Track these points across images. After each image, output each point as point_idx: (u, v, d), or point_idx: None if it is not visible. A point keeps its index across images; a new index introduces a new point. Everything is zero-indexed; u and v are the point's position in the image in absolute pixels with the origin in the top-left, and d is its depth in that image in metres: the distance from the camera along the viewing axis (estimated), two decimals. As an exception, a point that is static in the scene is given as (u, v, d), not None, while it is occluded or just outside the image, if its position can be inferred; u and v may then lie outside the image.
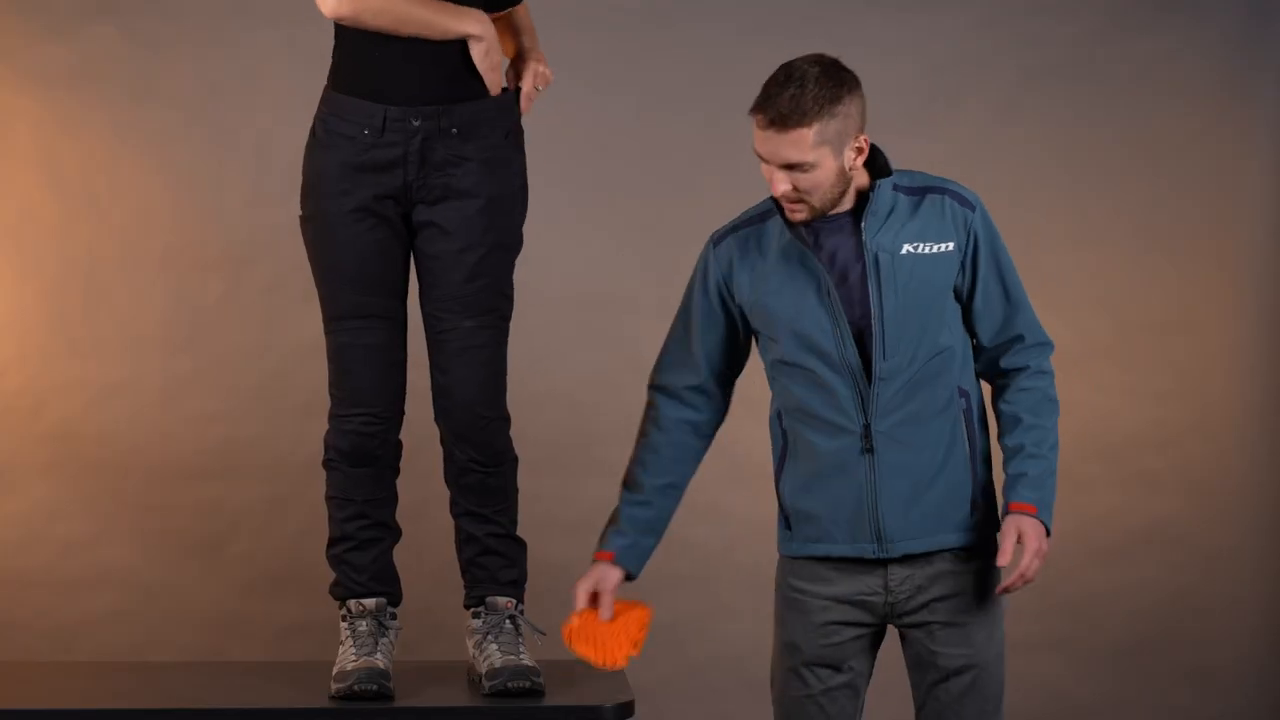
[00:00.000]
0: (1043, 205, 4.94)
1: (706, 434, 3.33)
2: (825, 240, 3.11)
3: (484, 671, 3.40)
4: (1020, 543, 3.11)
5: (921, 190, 3.13)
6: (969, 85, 4.95)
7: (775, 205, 3.14)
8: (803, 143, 3.03)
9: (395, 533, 3.53)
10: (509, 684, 3.35)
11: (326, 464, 3.49)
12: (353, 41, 3.42)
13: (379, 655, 3.41)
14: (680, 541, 4.94)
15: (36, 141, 4.80)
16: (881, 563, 3.16)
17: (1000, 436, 3.19)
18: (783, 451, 3.23)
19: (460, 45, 3.42)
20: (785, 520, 3.23)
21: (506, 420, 3.51)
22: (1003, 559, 3.09)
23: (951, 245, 3.10)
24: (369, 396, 3.43)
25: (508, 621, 3.47)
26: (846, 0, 4.86)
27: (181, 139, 4.82)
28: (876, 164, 3.13)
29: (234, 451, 4.83)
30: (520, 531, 3.58)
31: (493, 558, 3.51)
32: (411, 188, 3.41)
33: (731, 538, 4.93)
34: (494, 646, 3.43)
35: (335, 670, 3.41)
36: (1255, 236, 5.00)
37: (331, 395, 3.46)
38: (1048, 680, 4.94)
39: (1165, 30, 4.97)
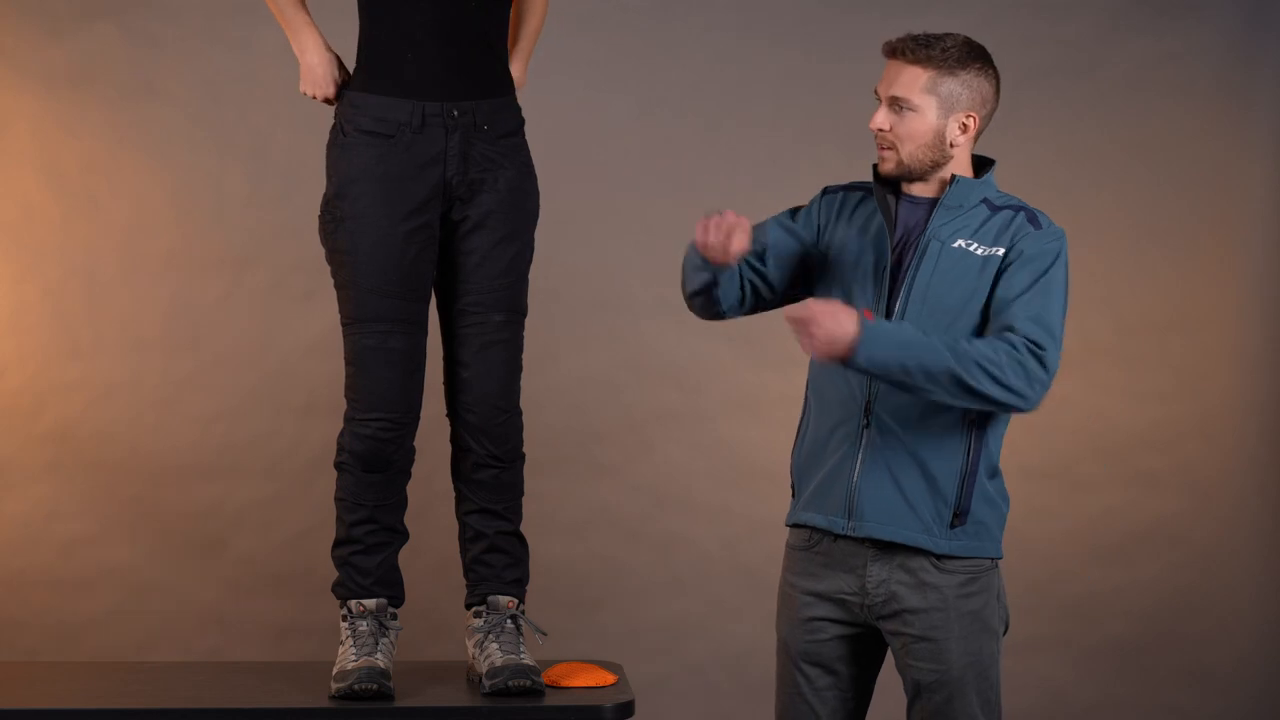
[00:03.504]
0: (1042, 205, 4.86)
1: (740, 284, 3.28)
2: (903, 219, 3.19)
3: (484, 671, 3.41)
4: (813, 322, 2.98)
5: (1003, 207, 3.20)
6: (969, 85, 4.95)
7: (875, 171, 3.21)
8: (914, 82, 3.12)
9: (403, 536, 3.53)
10: (509, 683, 3.35)
11: (339, 465, 3.49)
12: (382, 41, 3.42)
13: (379, 655, 3.41)
14: (680, 541, 4.96)
15: (36, 141, 4.80)
16: (862, 559, 3.18)
17: None
18: (802, 417, 3.29)
19: (483, 41, 3.43)
20: (791, 488, 3.30)
21: (521, 416, 3.53)
22: (799, 311, 2.98)
23: (1001, 251, 3.14)
24: (389, 401, 3.42)
25: (509, 621, 3.47)
26: (847, 1, 4.86)
27: (181, 139, 4.82)
28: (980, 173, 3.22)
29: (234, 451, 4.83)
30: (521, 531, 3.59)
31: (498, 555, 3.52)
32: (452, 184, 3.42)
33: (731, 538, 4.93)
34: (494, 646, 3.43)
35: (335, 670, 3.41)
36: (1255, 236, 5.00)
37: (348, 398, 3.46)
38: (1048, 680, 4.94)
39: (1165, 31, 4.97)
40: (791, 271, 3.28)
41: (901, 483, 3.14)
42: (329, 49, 3.49)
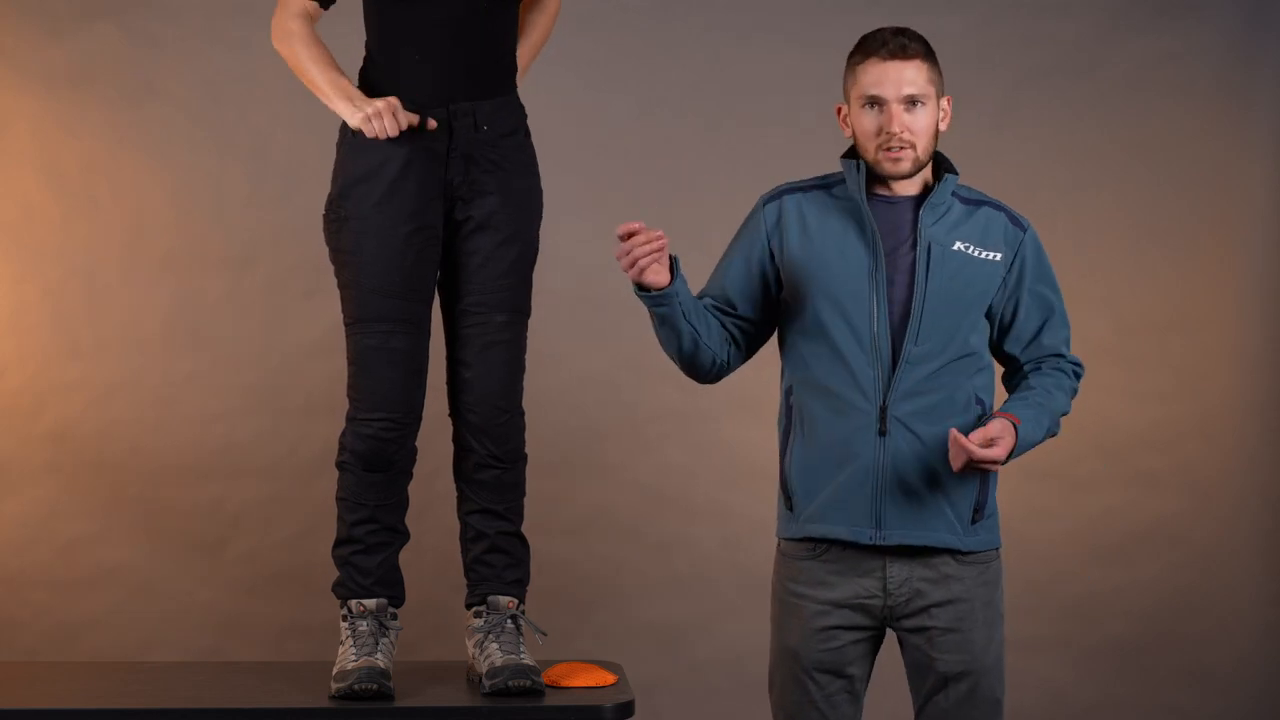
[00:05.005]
0: (1042, 205, 4.94)
1: (730, 337, 3.30)
2: (882, 219, 3.17)
3: (484, 671, 3.40)
4: (996, 442, 3.09)
5: (977, 203, 3.21)
6: (969, 85, 4.94)
7: (861, 166, 3.17)
8: (920, 76, 3.13)
9: (404, 537, 3.53)
10: (509, 683, 3.35)
11: (340, 465, 3.49)
12: (387, 43, 3.42)
13: (379, 655, 3.41)
14: (680, 541, 4.96)
15: (36, 141, 4.80)
16: (879, 561, 3.17)
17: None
18: (788, 427, 3.23)
19: (490, 41, 3.43)
20: (787, 500, 3.23)
21: (523, 416, 3.53)
22: (973, 438, 3.06)
23: (999, 257, 3.17)
24: (390, 401, 3.42)
25: (509, 621, 3.47)
26: (846, 1, 4.86)
27: (181, 139, 4.82)
28: (942, 166, 3.21)
29: (234, 451, 4.83)
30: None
31: (499, 555, 3.52)
32: (454, 185, 3.42)
33: (731, 538, 4.93)
34: (495, 646, 3.43)
35: (335, 670, 3.41)
36: (1255, 236, 5.00)
37: (350, 397, 3.46)
38: (1048, 680, 4.94)
39: (1165, 31, 4.97)
40: (763, 304, 3.27)
41: (927, 486, 3.13)
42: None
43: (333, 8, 3.46)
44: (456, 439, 3.53)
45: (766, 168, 4.88)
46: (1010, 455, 3.11)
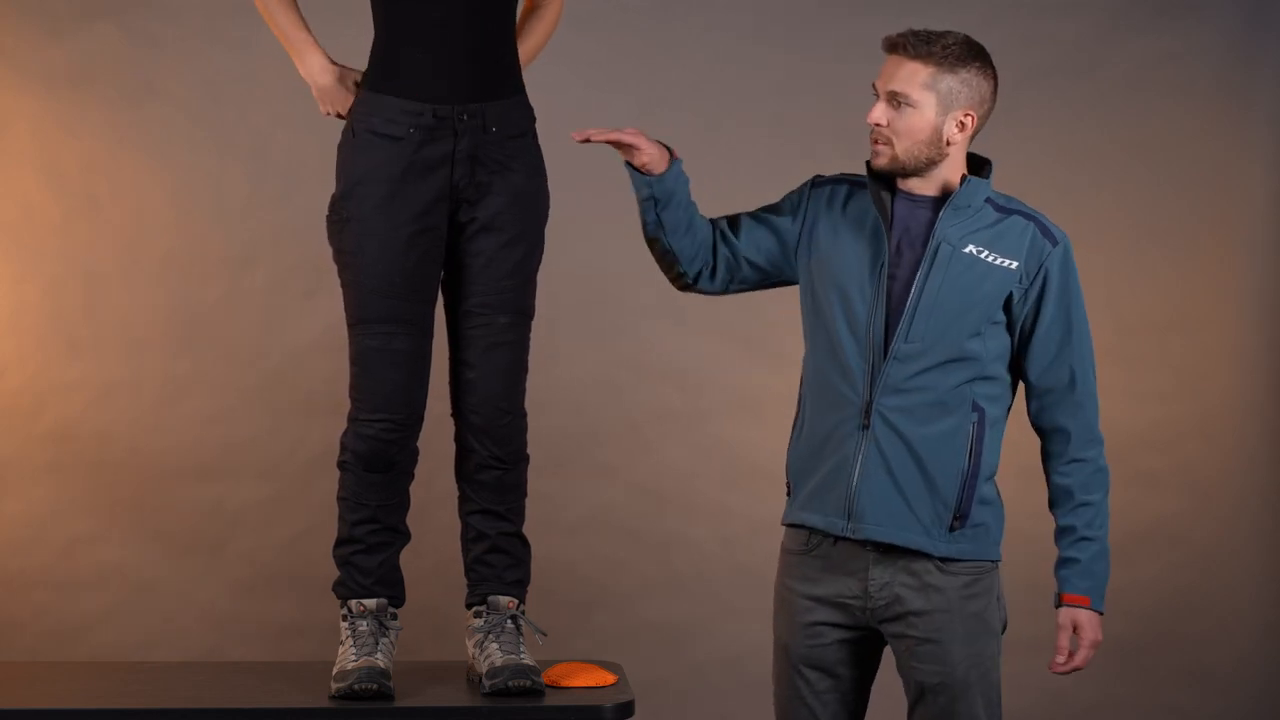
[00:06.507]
0: (1042, 206, 4.84)
1: (711, 251, 3.33)
2: (903, 217, 3.17)
3: (484, 671, 3.40)
4: (1076, 634, 3.23)
5: (1010, 211, 3.19)
6: (969, 85, 4.95)
7: (868, 168, 3.20)
8: (914, 77, 3.11)
9: (404, 537, 3.53)
10: (509, 683, 3.35)
11: (341, 465, 3.49)
12: (392, 42, 3.42)
13: (379, 655, 3.41)
14: (680, 541, 4.96)
15: (36, 141, 4.80)
16: (864, 562, 3.16)
17: (1051, 505, 3.26)
18: (796, 414, 3.27)
19: (493, 41, 3.43)
20: (787, 486, 3.27)
21: (525, 417, 3.53)
22: (1060, 657, 3.23)
23: (1015, 264, 3.14)
24: (392, 402, 3.42)
25: (509, 621, 3.47)
26: (847, 2, 4.86)
27: (181, 139, 4.82)
28: (980, 173, 3.20)
29: (234, 451, 4.84)
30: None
31: (499, 556, 3.52)
32: (459, 186, 3.42)
33: (731, 538, 4.93)
34: (495, 646, 3.43)
35: (335, 670, 3.41)
36: (1255, 236, 5.01)
37: (352, 397, 3.46)
38: (1048, 680, 4.93)
39: (1165, 31, 4.98)
40: (765, 251, 3.28)
41: (901, 484, 3.13)
42: (334, 64, 3.48)
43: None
44: (458, 439, 3.53)
45: (766, 168, 4.89)
46: (1097, 607, 3.28)
